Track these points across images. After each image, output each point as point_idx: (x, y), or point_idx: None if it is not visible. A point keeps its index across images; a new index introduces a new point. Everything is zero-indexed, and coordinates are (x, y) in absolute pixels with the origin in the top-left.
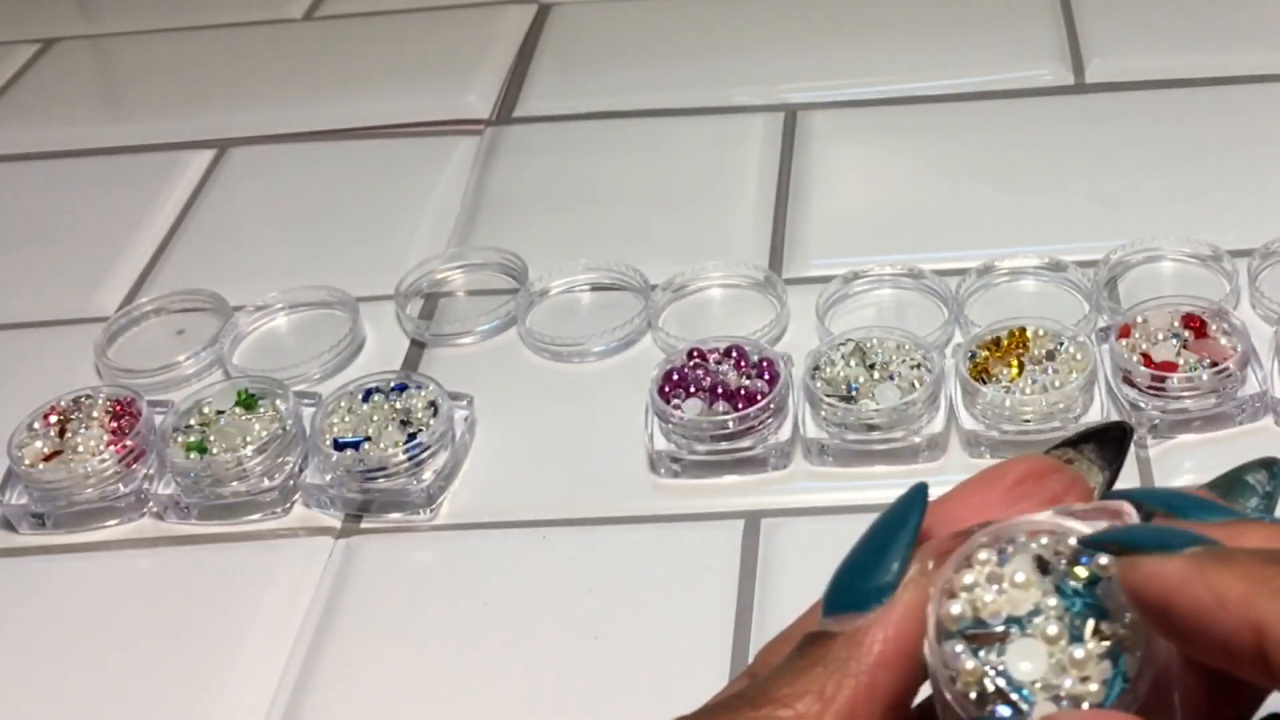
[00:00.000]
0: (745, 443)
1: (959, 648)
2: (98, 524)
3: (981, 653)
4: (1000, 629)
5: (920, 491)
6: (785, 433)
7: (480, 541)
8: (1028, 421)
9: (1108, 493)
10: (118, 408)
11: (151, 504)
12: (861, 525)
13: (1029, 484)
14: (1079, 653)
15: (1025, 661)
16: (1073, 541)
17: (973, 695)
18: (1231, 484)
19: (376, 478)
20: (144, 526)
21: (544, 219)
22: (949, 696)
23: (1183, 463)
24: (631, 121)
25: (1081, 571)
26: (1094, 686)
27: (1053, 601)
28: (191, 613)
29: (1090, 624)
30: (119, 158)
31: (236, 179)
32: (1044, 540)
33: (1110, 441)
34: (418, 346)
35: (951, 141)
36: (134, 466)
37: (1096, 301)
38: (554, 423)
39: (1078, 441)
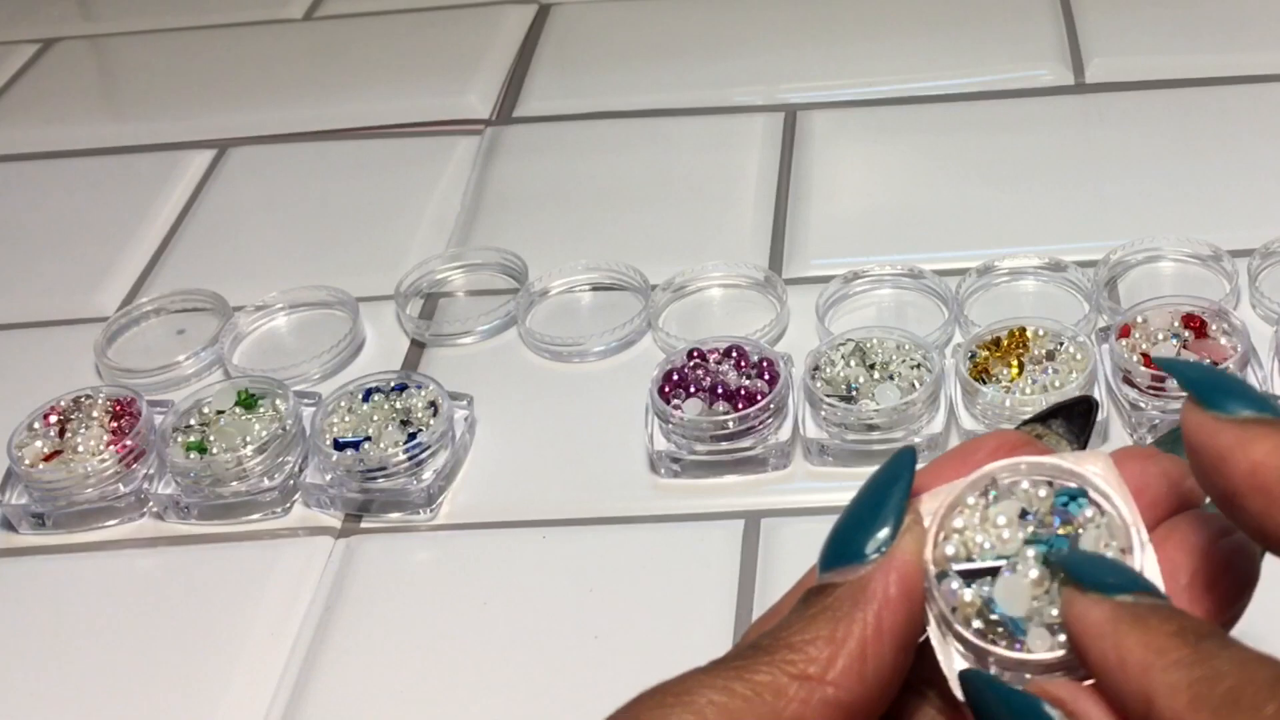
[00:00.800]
0: (745, 443)
1: (955, 584)
2: (98, 524)
3: (974, 586)
4: (990, 564)
5: (910, 452)
6: (785, 433)
7: (480, 541)
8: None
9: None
10: (118, 408)
11: (151, 504)
12: None
13: (1001, 456)
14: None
15: (1014, 595)
16: (1043, 493)
17: (974, 624)
18: (1175, 436)
19: (376, 477)
20: (144, 526)
21: (544, 219)
22: (952, 628)
23: None
24: (631, 121)
25: (1055, 521)
26: None
27: (1030, 551)
28: (191, 613)
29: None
30: (119, 158)
31: (236, 179)
32: (1025, 486)
33: (1077, 415)
34: (418, 346)
35: (951, 141)
36: (134, 466)
37: (1096, 301)
38: (554, 423)
39: (1046, 416)
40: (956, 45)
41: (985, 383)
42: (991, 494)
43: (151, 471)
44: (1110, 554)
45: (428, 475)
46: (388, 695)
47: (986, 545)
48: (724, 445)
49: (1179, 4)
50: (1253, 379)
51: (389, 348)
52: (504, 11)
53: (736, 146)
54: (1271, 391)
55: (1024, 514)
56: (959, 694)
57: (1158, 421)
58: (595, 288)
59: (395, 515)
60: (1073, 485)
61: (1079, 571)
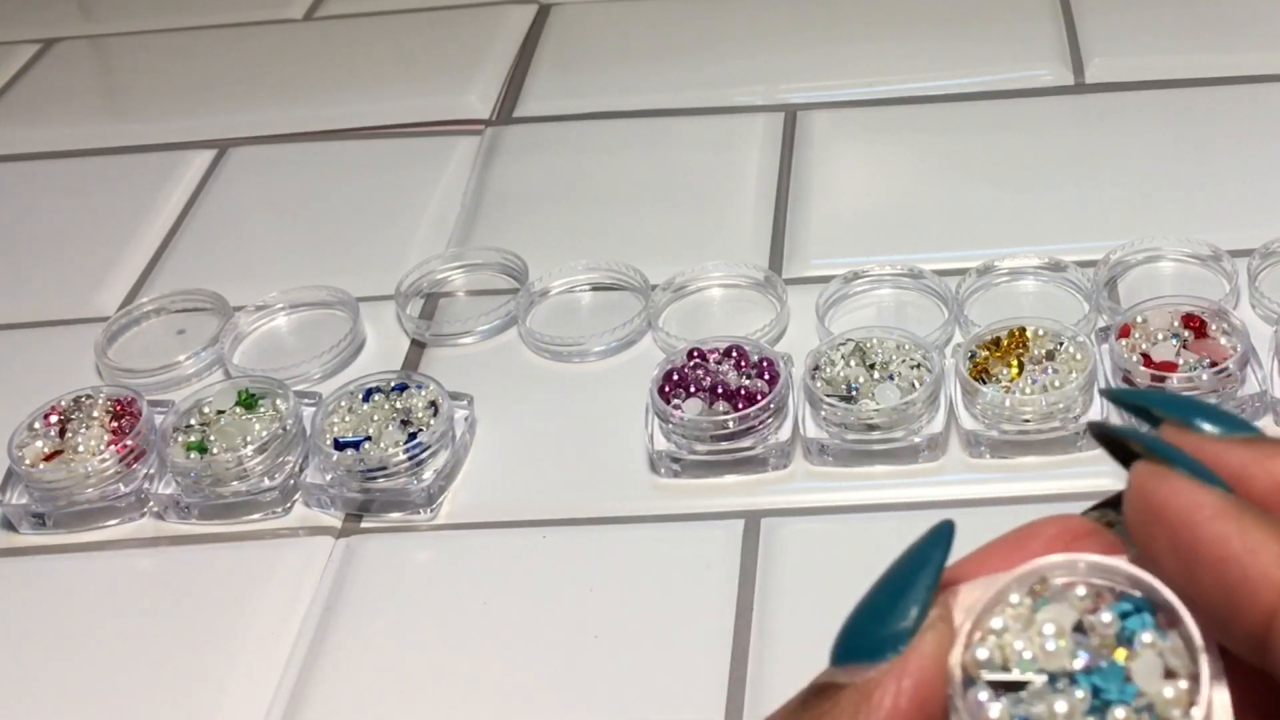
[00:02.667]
0: (745, 443)
1: (983, 695)
2: (98, 524)
3: (1005, 702)
4: (1029, 678)
5: (945, 529)
6: (785, 433)
7: (480, 541)
8: (1027, 421)
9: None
10: (118, 407)
11: (152, 504)
12: (861, 525)
13: (1060, 547)
14: None
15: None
16: (1107, 618)
17: None
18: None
19: (377, 477)
20: (144, 526)
21: (544, 219)
22: None
23: None
24: (631, 121)
25: (1120, 651)
26: None
27: (1082, 687)
28: (191, 613)
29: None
30: (119, 158)
31: (236, 179)
32: (1081, 593)
33: None
34: (418, 346)
35: (951, 141)
36: (134, 466)
37: (1096, 301)
38: (554, 423)
39: (1117, 502)
40: (956, 45)
41: (985, 383)
42: (1041, 597)
43: (152, 471)
44: (1169, 690)
45: (428, 475)
46: (388, 695)
47: (1028, 656)
48: (724, 445)
49: (1179, 4)
50: (1252, 379)
51: (389, 348)
52: (504, 11)
53: (736, 146)
54: (1271, 393)
55: (1079, 627)
56: None
57: None
58: (595, 288)
59: (395, 515)
60: (1138, 595)
61: (1167, 452)
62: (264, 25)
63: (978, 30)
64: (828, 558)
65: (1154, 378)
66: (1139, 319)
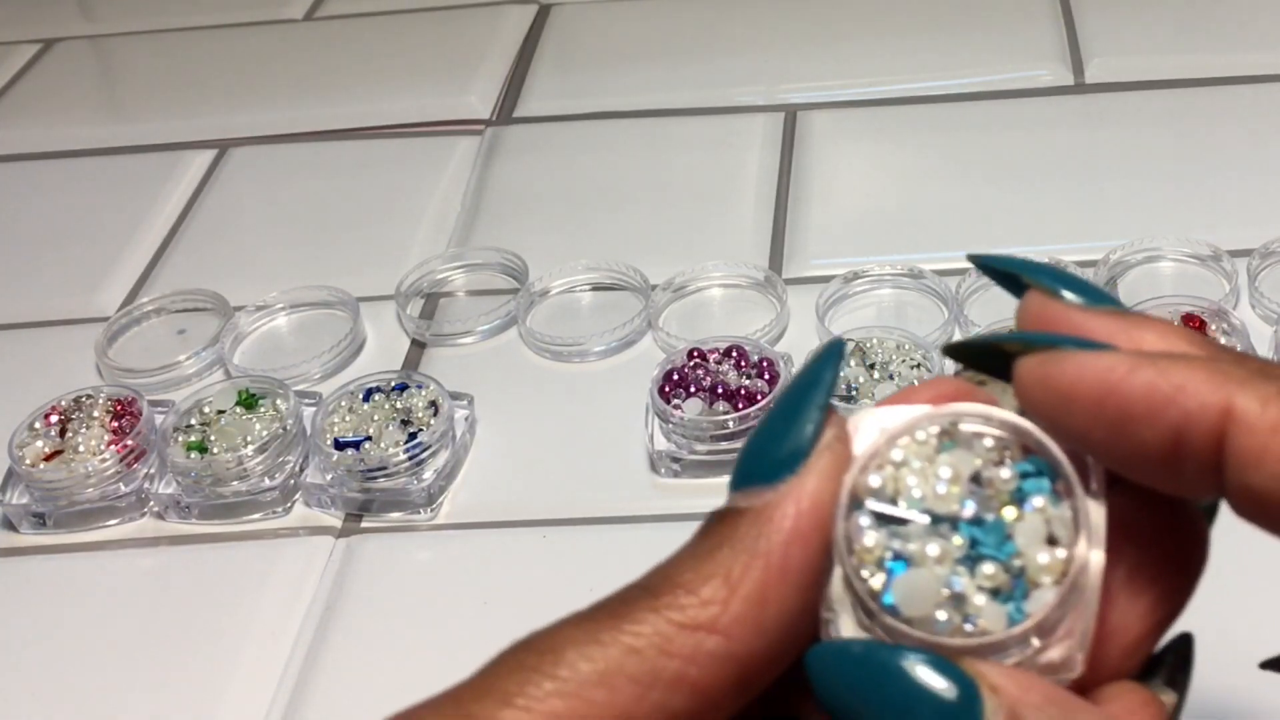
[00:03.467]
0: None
1: (864, 520)
2: (98, 524)
3: (883, 533)
4: (911, 515)
5: (837, 347)
6: None
7: (480, 541)
8: None
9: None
10: (118, 407)
11: (152, 503)
12: None
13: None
14: (972, 585)
15: (917, 592)
16: (1005, 474)
17: (864, 574)
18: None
19: (377, 477)
20: (144, 526)
21: (544, 219)
22: (844, 569)
23: None
24: (631, 121)
25: (1009, 509)
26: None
27: (962, 535)
28: (191, 613)
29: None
30: (119, 158)
31: (236, 179)
32: (989, 444)
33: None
34: (418, 346)
35: (951, 141)
36: (135, 466)
37: None
38: (554, 423)
39: (978, 361)
40: (956, 45)
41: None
42: (949, 440)
43: (152, 471)
44: (1045, 557)
45: (428, 475)
46: (388, 695)
47: (917, 494)
48: (724, 445)
49: (1179, 4)
50: None
51: (389, 348)
52: (504, 11)
53: (736, 146)
54: None
55: (977, 478)
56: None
57: None
58: (595, 288)
59: (395, 515)
60: (1043, 460)
61: (1060, 341)
62: (264, 25)
63: (978, 30)
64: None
65: None
66: None
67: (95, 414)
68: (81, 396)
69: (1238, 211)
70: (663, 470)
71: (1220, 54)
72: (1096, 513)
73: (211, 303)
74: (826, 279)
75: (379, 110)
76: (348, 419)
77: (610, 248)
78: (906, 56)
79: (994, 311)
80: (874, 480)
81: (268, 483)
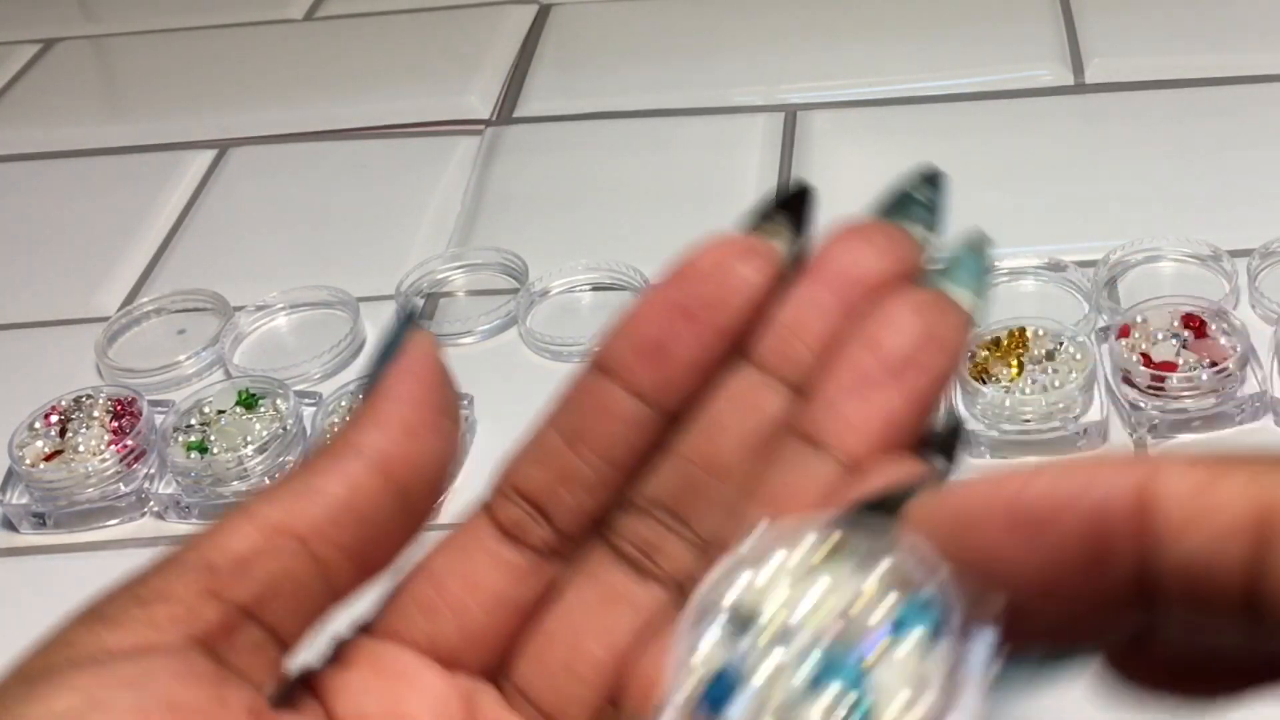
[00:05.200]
0: None
1: (712, 632)
2: (98, 523)
3: (722, 634)
4: (767, 620)
5: (410, 319)
6: None
7: None
8: (1028, 421)
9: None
10: (119, 407)
11: (152, 503)
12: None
13: (721, 272)
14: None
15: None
16: (886, 606)
17: (695, 686)
18: (896, 201)
19: None
20: (145, 526)
21: (544, 219)
22: (677, 678)
23: None
24: (631, 121)
25: (872, 646)
26: None
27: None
28: None
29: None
30: (119, 158)
31: (236, 179)
32: (885, 567)
33: (796, 203)
34: None
35: (951, 141)
36: (135, 466)
37: (1096, 301)
38: None
39: (766, 214)
40: (956, 45)
41: (985, 382)
42: (843, 550)
43: (152, 471)
44: (896, 704)
45: None
46: None
47: (768, 614)
48: None
49: (1179, 4)
50: (1252, 379)
51: None
52: (504, 11)
53: (736, 146)
54: (1260, 390)
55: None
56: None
57: (1157, 421)
58: (595, 288)
59: None
60: (934, 593)
61: None
62: (264, 25)
63: (978, 30)
64: None
65: (1154, 378)
66: (1139, 319)
67: (95, 414)
68: (81, 396)
69: (1238, 211)
70: None
71: (1220, 54)
72: (974, 665)
73: (211, 303)
74: None
75: (379, 110)
76: (348, 419)
77: (610, 248)
78: (907, 56)
79: (994, 312)
80: (730, 594)
81: (268, 483)
